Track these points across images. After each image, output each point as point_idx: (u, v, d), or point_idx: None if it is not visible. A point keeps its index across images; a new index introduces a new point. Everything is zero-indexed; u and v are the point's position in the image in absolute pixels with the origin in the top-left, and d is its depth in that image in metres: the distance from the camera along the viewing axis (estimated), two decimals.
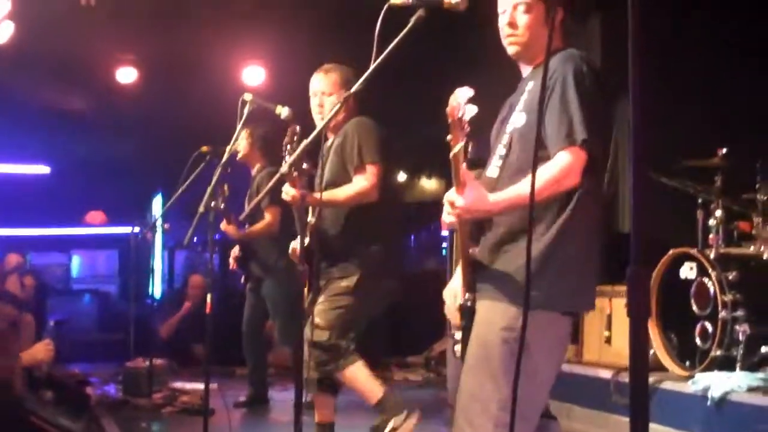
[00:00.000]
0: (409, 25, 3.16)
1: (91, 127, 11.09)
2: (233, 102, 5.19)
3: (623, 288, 6.04)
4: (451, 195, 2.87)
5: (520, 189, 2.88)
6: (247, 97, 5.02)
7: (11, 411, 3.35)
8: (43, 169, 13.81)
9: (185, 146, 5.98)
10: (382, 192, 4.90)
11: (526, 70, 3.24)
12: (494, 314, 2.99)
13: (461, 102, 2.72)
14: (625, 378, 5.73)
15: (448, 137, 2.78)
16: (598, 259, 3.10)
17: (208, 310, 5.08)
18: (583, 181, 2.89)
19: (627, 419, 5.42)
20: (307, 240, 4.92)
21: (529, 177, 2.85)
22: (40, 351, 5.10)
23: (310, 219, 4.93)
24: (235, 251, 7.11)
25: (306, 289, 5.00)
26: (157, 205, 12.58)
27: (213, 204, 5.07)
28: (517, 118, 3.09)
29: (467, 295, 3.09)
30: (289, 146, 4.64)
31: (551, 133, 2.93)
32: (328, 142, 5.06)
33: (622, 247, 6.43)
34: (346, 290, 4.88)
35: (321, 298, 4.90)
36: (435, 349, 9.01)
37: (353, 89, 3.46)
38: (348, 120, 5.00)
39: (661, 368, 5.55)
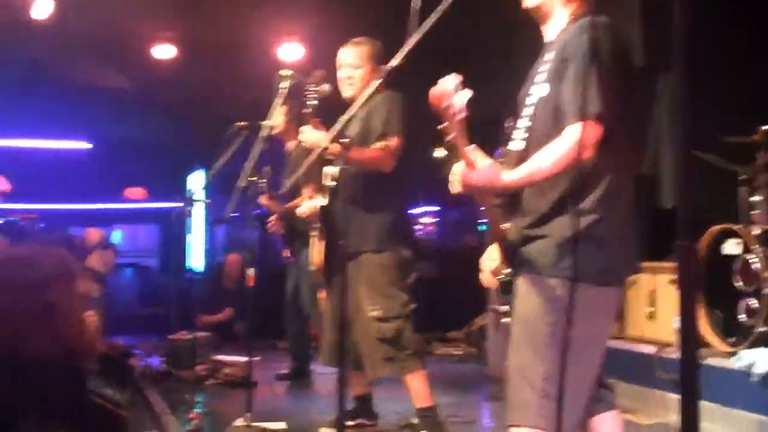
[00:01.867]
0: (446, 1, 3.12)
1: (131, 104, 11.16)
2: (271, 78, 5.19)
3: (666, 264, 6.05)
4: (462, 170, 2.85)
5: (532, 165, 2.86)
6: (284, 72, 5.01)
7: (77, 386, 3.36)
8: (84, 145, 13.92)
9: (224, 123, 6.00)
10: (398, 166, 4.88)
11: (548, 33, 3.16)
12: (533, 288, 2.97)
13: (448, 91, 2.68)
14: (668, 354, 5.70)
15: (443, 125, 2.74)
16: (634, 232, 3.05)
17: (250, 283, 5.11)
18: (603, 154, 2.83)
19: (671, 395, 5.45)
20: (325, 201, 4.97)
21: (540, 152, 2.86)
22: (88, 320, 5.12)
23: (330, 183, 4.90)
24: (274, 223, 7.11)
25: (321, 250, 5.03)
26: (195, 180, 12.61)
27: (254, 178, 5.09)
28: (540, 88, 3.04)
29: (505, 270, 3.08)
30: (314, 89, 4.68)
31: (565, 105, 2.88)
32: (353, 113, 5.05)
33: (664, 224, 6.39)
34: (386, 269, 4.88)
35: (361, 281, 4.86)
36: (476, 324, 8.99)
37: (395, 63, 3.44)
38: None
39: (705, 344, 5.51)
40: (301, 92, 5.10)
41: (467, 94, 2.69)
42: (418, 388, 4.90)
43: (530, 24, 3.22)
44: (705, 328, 5.54)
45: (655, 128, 7.32)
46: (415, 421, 4.92)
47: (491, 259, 3.18)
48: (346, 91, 4.98)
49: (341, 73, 5.03)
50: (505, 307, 3.12)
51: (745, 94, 6.63)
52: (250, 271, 5.08)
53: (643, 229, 6.41)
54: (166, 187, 13.23)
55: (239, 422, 5.00)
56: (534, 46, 3.25)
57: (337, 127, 3.79)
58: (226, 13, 8.45)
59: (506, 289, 3.10)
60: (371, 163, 4.80)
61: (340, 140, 4.28)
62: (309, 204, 5.15)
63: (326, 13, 8.48)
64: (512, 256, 3.06)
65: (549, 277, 2.93)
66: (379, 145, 4.83)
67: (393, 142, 4.82)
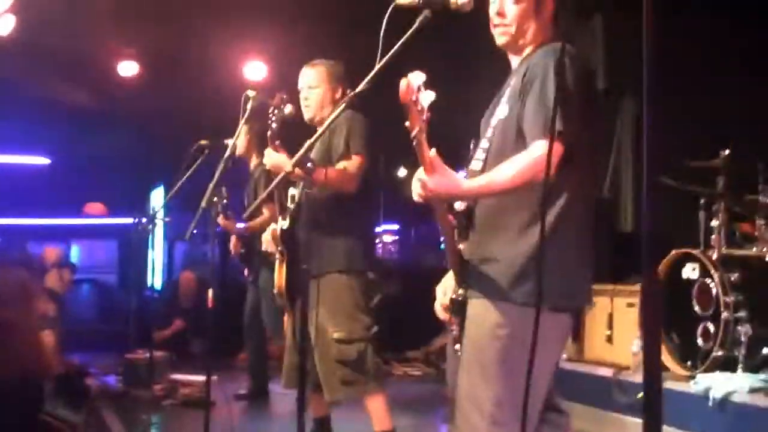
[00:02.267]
0: (415, 26, 3.13)
1: (92, 119, 11.10)
2: (234, 97, 5.16)
3: (625, 287, 6.11)
4: (422, 175, 2.82)
5: (493, 176, 2.85)
6: (251, 93, 5.00)
7: (31, 406, 3.33)
8: (42, 161, 13.81)
9: (186, 140, 5.97)
10: (361, 186, 4.85)
11: (515, 61, 3.19)
12: (484, 311, 2.96)
13: (414, 86, 2.68)
14: (626, 377, 5.74)
15: (406, 123, 2.72)
16: (590, 256, 3.05)
17: (210, 304, 5.07)
18: (562, 175, 2.81)
19: (628, 418, 5.48)
20: (287, 224, 4.93)
21: (502, 165, 2.85)
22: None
23: (290, 204, 4.91)
24: (234, 243, 7.12)
25: (283, 273, 5.02)
26: (156, 197, 12.56)
27: (215, 200, 5.06)
28: (501, 110, 3.06)
29: (459, 290, 3.07)
30: (276, 111, 4.68)
31: (528, 123, 2.88)
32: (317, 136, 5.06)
33: (624, 246, 6.44)
34: (350, 290, 4.87)
35: (324, 302, 4.79)
36: (435, 344, 9.02)
37: (360, 88, 3.44)
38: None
39: (664, 368, 5.55)
40: (265, 113, 5.09)
41: (431, 95, 2.68)
42: (378, 411, 4.87)
43: (497, 51, 3.25)
44: (662, 352, 5.59)
45: (615, 151, 7.39)
46: None
47: (445, 288, 3.18)
48: (305, 113, 4.98)
49: (301, 96, 5.03)
50: (455, 331, 3.11)
51: (707, 117, 6.72)
52: (210, 292, 5.04)
53: (603, 252, 6.52)
54: (127, 202, 13.15)
55: None
56: (501, 72, 3.28)
57: (301, 151, 3.76)
58: (191, 31, 8.44)
59: (459, 310, 3.09)
60: (334, 183, 4.77)
61: (305, 165, 4.26)
62: (270, 228, 5.12)
63: (291, 32, 8.49)
64: (465, 277, 3.06)
65: (501, 301, 2.92)
66: (341, 164, 4.82)
67: (355, 161, 4.80)
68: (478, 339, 2.98)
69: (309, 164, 3.96)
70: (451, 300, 3.11)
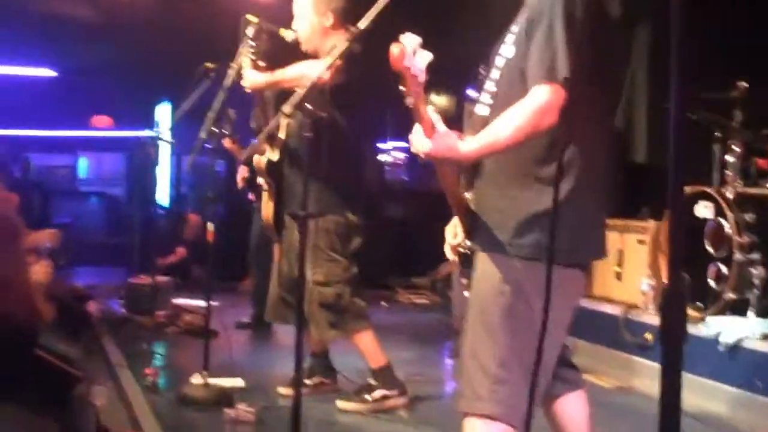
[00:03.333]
0: None
1: (97, 34, 10.92)
2: (240, 10, 5.01)
3: (635, 223, 5.97)
4: (419, 137, 2.67)
5: (494, 133, 2.67)
6: (251, 18, 4.83)
7: (20, 352, 3.23)
8: (49, 73, 13.63)
9: (191, 55, 5.81)
10: (348, 126, 4.73)
11: None
12: (489, 267, 2.81)
13: (408, 50, 2.51)
14: (635, 316, 5.64)
15: (401, 87, 2.57)
16: (603, 203, 2.89)
17: (209, 237, 4.97)
18: (568, 122, 2.61)
19: (635, 357, 5.37)
20: (276, 156, 4.82)
21: (502, 119, 2.66)
22: (39, 273, 4.95)
23: (280, 134, 4.80)
24: (243, 171, 6.97)
25: (270, 205, 4.92)
26: (162, 111, 12.39)
27: (216, 130, 4.93)
28: (506, 51, 2.85)
29: (466, 242, 2.94)
30: (254, 44, 4.55)
31: (532, 66, 2.68)
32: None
33: (636, 179, 6.23)
34: (327, 233, 4.77)
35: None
36: (441, 271, 8.92)
37: (362, 26, 3.25)
38: (332, 39, 4.76)
39: None
40: (268, 37, 4.94)
41: (428, 56, 2.52)
42: (368, 348, 4.85)
43: None
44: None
45: (628, 80, 7.18)
46: (373, 382, 4.83)
47: (455, 231, 3.05)
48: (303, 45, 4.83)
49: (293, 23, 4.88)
50: (464, 281, 3.01)
51: (724, 48, 6.50)
52: (210, 226, 4.94)
53: (613, 185, 6.36)
54: (134, 116, 13.04)
55: (195, 379, 4.89)
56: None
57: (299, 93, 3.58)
58: None
59: (467, 262, 2.97)
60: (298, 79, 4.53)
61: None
62: (260, 158, 5.00)
63: None
64: (472, 229, 2.93)
65: (506, 255, 2.77)
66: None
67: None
68: (483, 295, 2.85)
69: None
70: (458, 251, 2.99)
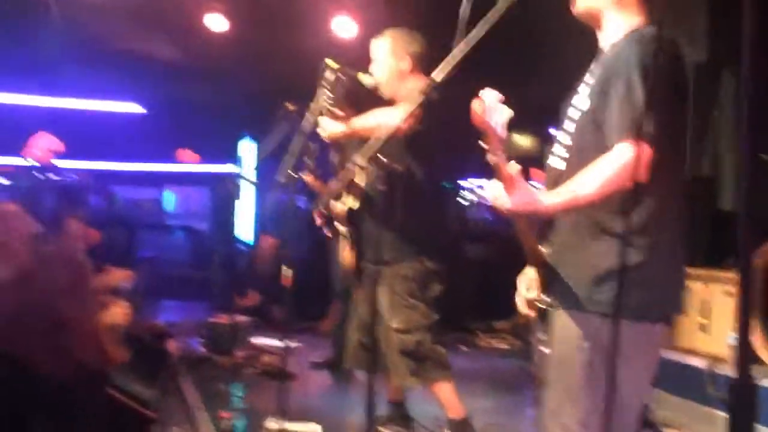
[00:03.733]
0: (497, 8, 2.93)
1: (181, 72, 11.12)
2: (322, 51, 5.04)
3: (721, 273, 5.78)
4: (496, 192, 2.63)
5: (577, 189, 2.63)
6: (330, 62, 4.84)
7: (92, 397, 3.24)
8: (137, 109, 13.89)
9: (274, 92, 5.86)
10: (425, 171, 4.71)
11: (600, 40, 2.95)
12: (568, 323, 2.79)
13: (488, 107, 2.47)
14: (721, 370, 5.46)
15: (481, 143, 2.54)
16: (681, 258, 2.83)
17: (286, 282, 4.96)
18: (654, 179, 2.57)
19: (722, 413, 5.16)
20: (356, 204, 4.82)
21: (585, 175, 2.63)
22: (117, 315, 4.97)
23: (358, 182, 4.79)
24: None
25: (351, 252, 4.89)
26: (245, 147, 12.53)
27: (294, 175, 4.95)
28: (581, 102, 2.82)
29: (542, 296, 2.91)
30: (331, 95, 4.57)
31: (614, 121, 2.64)
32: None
33: (722, 228, 6.07)
34: (406, 280, 4.74)
35: (383, 291, 4.74)
36: (522, 315, 8.77)
37: (437, 79, 3.22)
38: (410, 85, 4.80)
39: (761, 362, 5.25)
40: (347, 83, 4.95)
41: (507, 112, 2.49)
42: (446, 398, 4.79)
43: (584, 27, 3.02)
44: (761, 344, 5.28)
45: (715, 126, 7.03)
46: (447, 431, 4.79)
47: (529, 282, 2.99)
48: (383, 90, 4.86)
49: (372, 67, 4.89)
50: (544, 337, 2.95)
51: None
52: (287, 271, 4.92)
53: (700, 234, 6.20)
54: (217, 151, 13.21)
55: (271, 423, 4.87)
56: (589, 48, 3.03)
57: (374, 142, 3.57)
58: None
59: (543, 317, 2.94)
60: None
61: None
62: (337, 205, 4.99)
63: None
64: (549, 283, 2.87)
65: (584, 311, 2.73)
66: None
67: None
68: (562, 353, 2.81)
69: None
70: (534, 305, 2.95)
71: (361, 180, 4.75)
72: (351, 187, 4.83)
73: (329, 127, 4.75)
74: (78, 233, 7.72)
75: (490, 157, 2.54)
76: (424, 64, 4.77)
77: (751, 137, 1.76)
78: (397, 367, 4.74)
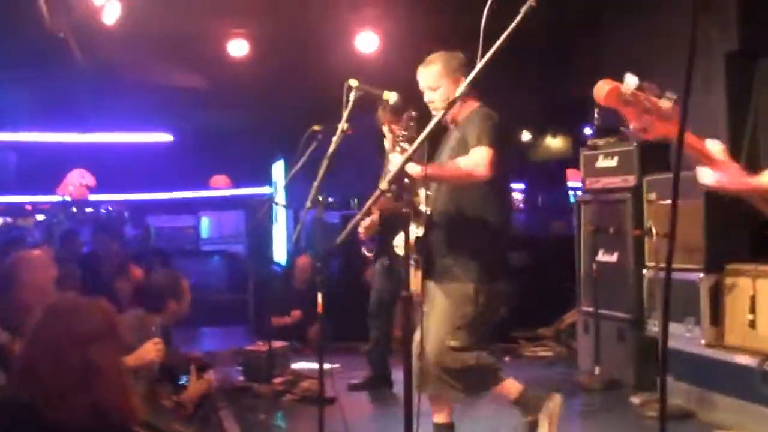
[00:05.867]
0: (519, 17, 2.85)
1: (208, 99, 11.15)
2: (347, 68, 4.97)
3: (767, 267, 5.61)
4: (707, 172, 2.50)
5: None
6: (353, 83, 4.76)
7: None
8: (166, 137, 13.95)
9: (302, 112, 5.82)
10: (490, 194, 4.65)
11: None
12: None
13: (625, 90, 2.34)
14: None
15: (631, 126, 2.39)
16: None
17: (319, 309, 4.85)
18: None
19: None
20: (421, 232, 4.75)
21: None
22: (150, 351, 4.91)
23: (425, 209, 4.71)
24: (369, 222, 6.81)
25: (419, 279, 4.81)
26: (278, 169, 12.50)
27: (320, 198, 4.88)
28: None
29: None
30: (404, 133, 4.46)
31: None
32: (451, 133, 4.86)
33: (765, 222, 5.89)
34: (467, 299, 4.65)
35: (442, 306, 4.68)
36: (565, 321, 8.62)
37: (458, 93, 3.16)
38: (463, 107, 4.75)
39: None
40: (370, 102, 4.88)
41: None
42: (504, 390, 4.80)
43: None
44: None
45: (752, 116, 6.87)
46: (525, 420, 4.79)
47: None
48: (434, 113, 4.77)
49: (424, 97, 4.82)
50: None
51: None
52: (320, 297, 4.82)
53: (743, 229, 6.04)
54: (251, 174, 13.22)
55: None
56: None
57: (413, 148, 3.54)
58: (298, 4, 8.26)
59: None
60: (462, 175, 4.59)
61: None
62: (402, 235, 4.92)
63: (404, 2, 8.27)
64: None
65: None
66: (460, 159, 4.59)
67: (487, 150, 4.51)
68: None
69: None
70: None
71: (426, 206, 4.71)
72: (417, 215, 4.76)
73: (414, 170, 4.63)
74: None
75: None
76: (477, 84, 4.71)
77: None
78: (450, 384, 4.68)
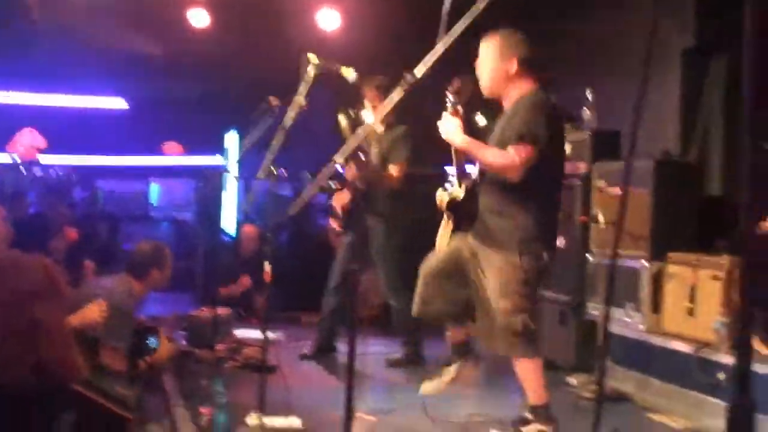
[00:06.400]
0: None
1: (166, 67, 11.10)
2: (308, 45, 4.98)
3: (709, 258, 5.72)
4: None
5: None
6: (312, 57, 4.78)
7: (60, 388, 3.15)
8: (121, 104, 13.82)
9: (258, 83, 5.78)
10: (533, 174, 4.63)
11: None
12: None
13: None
14: (708, 354, 5.41)
15: None
16: None
17: (267, 278, 4.88)
18: None
19: (709, 398, 5.12)
20: (461, 195, 4.86)
21: None
22: (93, 311, 4.90)
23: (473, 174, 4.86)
24: (342, 196, 6.87)
25: (448, 234, 4.97)
26: (230, 139, 12.46)
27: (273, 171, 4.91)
28: None
29: None
30: (452, 96, 4.70)
31: None
32: (504, 112, 4.87)
33: (709, 213, 5.98)
34: (521, 270, 4.68)
35: (487, 273, 4.73)
36: None
37: (418, 75, 3.16)
38: (515, 88, 4.78)
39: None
40: (327, 79, 4.91)
41: None
42: (532, 379, 4.76)
43: None
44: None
45: (703, 112, 6.98)
46: (529, 416, 4.80)
47: None
48: (485, 91, 4.87)
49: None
50: None
51: None
52: (267, 266, 4.85)
53: (688, 219, 6.14)
54: (203, 143, 13.15)
55: (251, 419, 4.81)
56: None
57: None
58: None
59: None
60: (494, 166, 4.66)
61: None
62: (445, 193, 4.98)
63: None
64: None
65: None
66: (508, 150, 4.60)
67: (525, 149, 4.54)
68: None
69: None
70: None
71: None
72: (463, 176, 4.89)
73: (451, 131, 4.68)
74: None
75: None
76: (530, 67, 4.77)
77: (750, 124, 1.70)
78: (502, 339, 4.73)
